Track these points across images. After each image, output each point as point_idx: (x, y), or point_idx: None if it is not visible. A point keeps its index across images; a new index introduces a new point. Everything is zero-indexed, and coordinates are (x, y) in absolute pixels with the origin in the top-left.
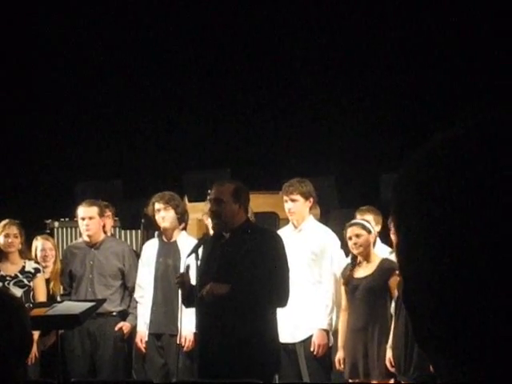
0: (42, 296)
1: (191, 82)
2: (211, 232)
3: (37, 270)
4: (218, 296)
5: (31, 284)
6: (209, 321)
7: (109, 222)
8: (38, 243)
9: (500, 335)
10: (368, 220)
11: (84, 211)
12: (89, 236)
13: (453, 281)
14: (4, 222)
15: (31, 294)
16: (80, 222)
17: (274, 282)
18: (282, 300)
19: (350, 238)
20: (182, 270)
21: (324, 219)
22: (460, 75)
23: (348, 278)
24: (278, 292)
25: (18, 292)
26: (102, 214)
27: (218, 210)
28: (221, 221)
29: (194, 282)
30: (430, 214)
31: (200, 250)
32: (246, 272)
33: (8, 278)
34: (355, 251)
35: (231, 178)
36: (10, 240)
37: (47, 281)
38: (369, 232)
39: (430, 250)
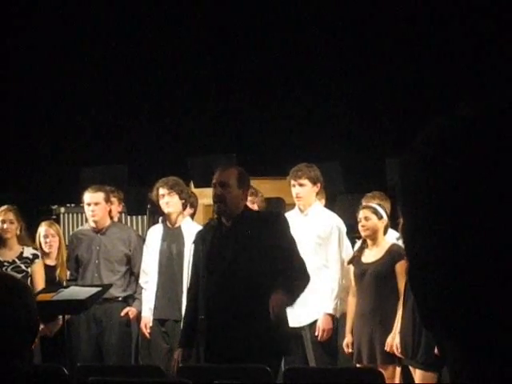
0: (40, 282)
1: (197, 66)
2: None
3: (35, 256)
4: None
5: (29, 270)
6: (218, 306)
7: (115, 208)
8: (42, 229)
9: (503, 315)
10: (381, 205)
11: (90, 197)
12: (95, 222)
13: (457, 259)
14: (1, 208)
15: (29, 279)
16: (86, 207)
17: (294, 263)
18: (307, 280)
19: (360, 220)
20: (186, 255)
21: (330, 204)
22: (465, 59)
23: (356, 262)
24: (301, 273)
25: None
26: (108, 200)
27: (223, 194)
28: (225, 205)
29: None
30: (435, 193)
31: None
32: (261, 256)
33: (6, 264)
34: (363, 234)
35: (237, 164)
36: (5, 226)
37: (53, 268)
38: (380, 217)
39: (435, 228)
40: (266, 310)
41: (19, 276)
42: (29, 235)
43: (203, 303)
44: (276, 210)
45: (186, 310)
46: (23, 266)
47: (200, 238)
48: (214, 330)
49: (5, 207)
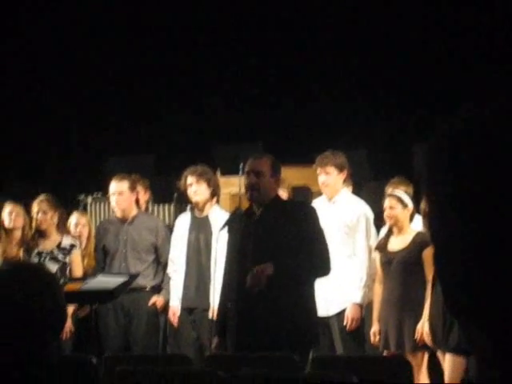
0: (78, 271)
1: (222, 55)
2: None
3: (72, 246)
4: (267, 277)
5: (67, 260)
6: (245, 294)
7: (142, 196)
8: (72, 218)
9: None
10: (407, 192)
11: (114, 186)
12: (120, 211)
13: (482, 246)
14: (37, 199)
15: (67, 269)
16: (111, 197)
17: (314, 252)
18: (325, 268)
19: (386, 209)
20: (213, 244)
21: (357, 192)
22: (494, 46)
23: (382, 249)
24: (319, 261)
25: (53, 267)
26: (133, 189)
27: (257, 182)
28: (259, 193)
29: (224, 256)
30: (461, 180)
31: (233, 225)
32: (285, 246)
33: (44, 254)
34: (388, 222)
35: (263, 151)
36: (39, 216)
37: (81, 257)
38: (405, 206)
39: (461, 214)
40: (293, 299)
41: (56, 266)
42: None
43: (231, 291)
44: (302, 198)
45: (220, 298)
46: (61, 256)
47: (228, 227)
48: (241, 319)
49: (39, 198)
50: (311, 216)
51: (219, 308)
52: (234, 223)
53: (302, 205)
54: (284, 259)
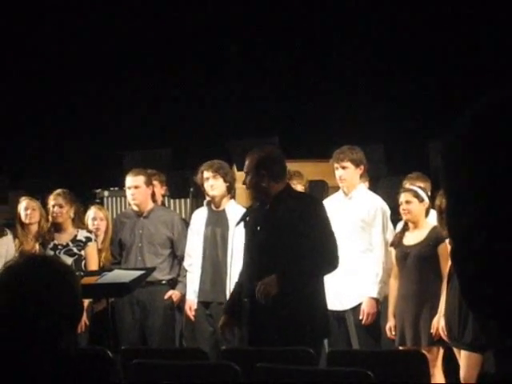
0: (93, 264)
1: (238, 51)
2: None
3: (88, 239)
4: (270, 294)
5: (82, 253)
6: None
7: (158, 191)
8: (91, 212)
9: None
10: (422, 187)
11: (130, 180)
12: (136, 205)
13: (499, 238)
14: (54, 193)
15: (82, 262)
16: (127, 191)
17: (321, 246)
18: (332, 264)
19: (401, 204)
20: (230, 238)
21: (373, 187)
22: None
23: (398, 244)
24: (327, 256)
25: (68, 261)
26: (149, 183)
27: (247, 182)
28: (253, 191)
29: (240, 250)
30: (477, 174)
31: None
32: (291, 240)
33: (59, 247)
34: (404, 217)
35: (277, 146)
36: (55, 210)
37: (98, 251)
38: (421, 200)
39: (478, 207)
40: (302, 294)
41: (71, 259)
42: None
43: (245, 287)
44: (319, 192)
45: (236, 283)
46: (75, 249)
47: (243, 221)
48: (255, 313)
49: (56, 192)
50: (318, 209)
51: (233, 290)
52: (248, 217)
53: (308, 198)
54: (291, 262)
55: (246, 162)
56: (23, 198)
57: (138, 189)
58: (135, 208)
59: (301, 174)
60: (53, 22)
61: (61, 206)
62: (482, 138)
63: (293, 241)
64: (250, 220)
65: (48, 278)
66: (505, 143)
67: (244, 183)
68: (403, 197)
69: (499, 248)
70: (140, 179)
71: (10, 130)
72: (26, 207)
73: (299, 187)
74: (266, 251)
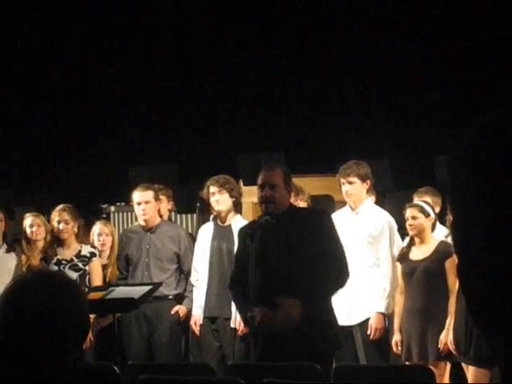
0: (97, 280)
1: (246, 66)
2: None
3: (92, 254)
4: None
5: (86, 268)
6: (268, 304)
7: (164, 206)
8: (96, 227)
9: None
10: (427, 202)
11: (140, 196)
12: (145, 220)
13: (505, 254)
14: (57, 208)
15: (87, 278)
16: (136, 206)
17: (336, 262)
18: (345, 280)
19: (408, 219)
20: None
21: (380, 202)
22: None
23: (404, 259)
24: (341, 273)
25: (73, 276)
26: (157, 198)
27: (272, 195)
28: (274, 206)
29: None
30: (483, 190)
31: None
32: (303, 255)
33: (64, 262)
34: (410, 232)
35: (285, 162)
36: (61, 226)
37: (104, 266)
38: (427, 216)
39: (484, 223)
40: (314, 310)
41: (76, 274)
42: (86, 233)
43: (253, 299)
44: (325, 207)
45: (235, 294)
46: (80, 264)
47: (246, 235)
48: (264, 327)
49: (60, 207)
50: (327, 222)
51: (237, 294)
52: (256, 232)
53: (316, 212)
54: (303, 268)
55: (270, 175)
56: (28, 214)
57: (148, 204)
58: (143, 223)
59: (302, 189)
60: (61, 46)
61: (66, 222)
62: (487, 154)
63: (307, 253)
64: (257, 235)
65: (55, 294)
66: (509, 159)
67: (267, 195)
68: (409, 212)
69: (505, 262)
70: (149, 194)
71: (17, 145)
72: (31, 224)
73: (301, 204)
74: (283, 269)
